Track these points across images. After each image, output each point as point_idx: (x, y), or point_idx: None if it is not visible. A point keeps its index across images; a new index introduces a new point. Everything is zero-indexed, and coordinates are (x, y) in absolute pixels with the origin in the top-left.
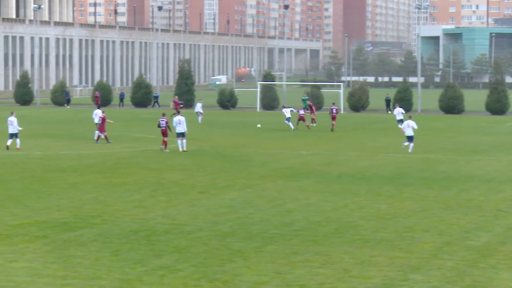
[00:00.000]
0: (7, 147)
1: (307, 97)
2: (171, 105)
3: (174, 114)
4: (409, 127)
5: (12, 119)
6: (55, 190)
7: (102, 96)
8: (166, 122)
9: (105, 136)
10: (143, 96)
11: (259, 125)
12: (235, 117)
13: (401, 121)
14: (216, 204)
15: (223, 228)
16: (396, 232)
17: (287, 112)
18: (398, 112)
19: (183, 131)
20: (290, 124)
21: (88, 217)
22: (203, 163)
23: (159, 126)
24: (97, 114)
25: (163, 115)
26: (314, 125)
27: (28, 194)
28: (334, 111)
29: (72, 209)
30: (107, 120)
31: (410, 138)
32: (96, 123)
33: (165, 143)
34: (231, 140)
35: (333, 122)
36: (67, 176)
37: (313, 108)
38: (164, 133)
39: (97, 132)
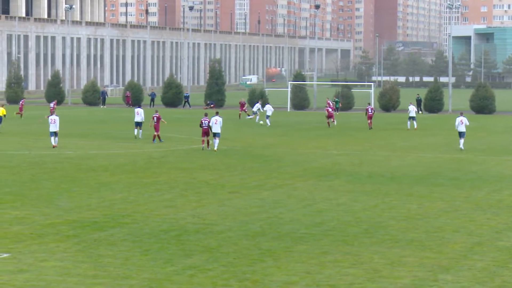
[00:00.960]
0: (54, 147)
1: (338, 99)
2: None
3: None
4: (462, 124)
5: (55, 118)
6: (86, 190)
7: (133, 96)
8: (209, 122)
9: (158, 136)
10: (173, 96)
11: (261, 122)
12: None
13: (412, 118)
14: (246, 204)
15: (253, 228)
16: (426, 232)
17: (270, 109)
18: (412, 109)
19: (218, 131)
20: (268, 121)
21: (118, 216)
22: (233, 163)
23: (201, 125)
24: (139, 113)
25: (206, 115)
26: (335, 123)
27: (59, 194)
28: (370, 111)
29: (103, 209)
30: (162, 119)
31: (461, 134)
32: (139, 122)
33: (206, 142)
34: (261, 140)
35: (370, 121)
36: (98, 175)
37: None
38: (206, 133)
39: (138, 131)
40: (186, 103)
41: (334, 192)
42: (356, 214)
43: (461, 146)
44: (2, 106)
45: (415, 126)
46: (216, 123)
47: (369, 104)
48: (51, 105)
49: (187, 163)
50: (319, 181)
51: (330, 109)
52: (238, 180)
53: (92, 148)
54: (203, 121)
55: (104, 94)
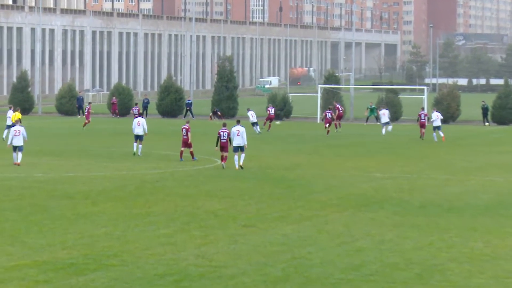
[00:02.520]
0: (16, 164)
1: (374, 106)
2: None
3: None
4: None
5: (19, 129)
6: (61, 223)
7: (121, 103)
8: (228, 134)
9: (191, 153)
10: (172, 103)
11: (278, 122)
12: (290, 130)
13: (437, 128)
14: (265, 241)
15: (274, 271)
16: (496, 277)
17: (252, 116)
18: (436, 117)
19: (242, 144)
20: (257, 128)
21: (102, 257)
22: (248, 189)
23: (219, 138)
24: (140, 123)
25: (224, 125)
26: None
27: (27, 228)
28: (423, 117)
29: (82, 247)
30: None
31: None
32: (140, 135)
33: (225, 158)
34: (284, 159)
35: (423, 130)
36: (75, 204)
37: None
38: (225, 147)
39: (138, 146)
40: (188, 112)
41: (378, 226)
42: (405, 255)
43: None
44: (17, 110)
45: (442, 135)
46: (239, 135)
47: (423, 109)
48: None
49: (189, 189)
50: (358, 212)
51: (328, 115)
52: (254, 211)
53: (68, 169)
54: (222, 132)
55: (80, 101)
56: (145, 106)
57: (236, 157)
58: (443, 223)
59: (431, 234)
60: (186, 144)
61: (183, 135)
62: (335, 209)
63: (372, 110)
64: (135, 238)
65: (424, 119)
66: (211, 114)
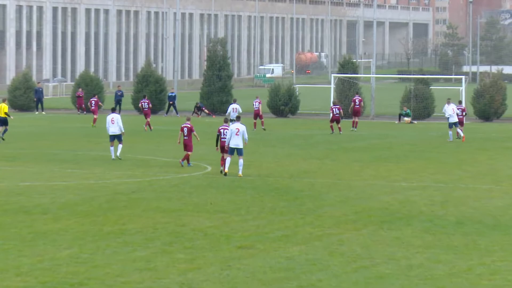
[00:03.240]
0: None
1: (409, 111)
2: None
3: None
4: None
5: None
6: (15, 243)
7: (89, 97)
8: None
9: (188, 157)
10: (151, 96)
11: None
12: (296, 129)
13: (455, 124)
14: (266, 266)
15: None
16: None
17: (234, 110)
18: (451, 110)
19: (241, 146)
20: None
21: (65, 285)
22: (245, 201)
23: (219, 136)
24: (115, 120)
25: (226, 121)
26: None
27: None
28: (460, 113)
29: (40, 273)
30: (194, 133)
31: None
32: (116, 134)
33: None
34: (289, 165)
35: (460, 128)
36: (33, 220)
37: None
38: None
39: (116, 147)
40: (172, 107)
41: (404, 247)
42: (438, 282)
43: None
44: (4, 101)
45: (462, 135)
46: (238, 134)
47: (460, 102)
48: None
49: (172, 202)
50: (379, 230)
51: (337, 111)
52: (252, 229)
53: (24, 177)
54: (222, 130)
55: (39, 93)
56: (119, 100)
57: (229, 159)
58: (484, 244)
59: (470, 258)
60: (187, 146)
61: (184, 136)
62: (352, 226)
63: (408, 115)
64: (106, 262)
65: (462, 115)
66: (194, 110)
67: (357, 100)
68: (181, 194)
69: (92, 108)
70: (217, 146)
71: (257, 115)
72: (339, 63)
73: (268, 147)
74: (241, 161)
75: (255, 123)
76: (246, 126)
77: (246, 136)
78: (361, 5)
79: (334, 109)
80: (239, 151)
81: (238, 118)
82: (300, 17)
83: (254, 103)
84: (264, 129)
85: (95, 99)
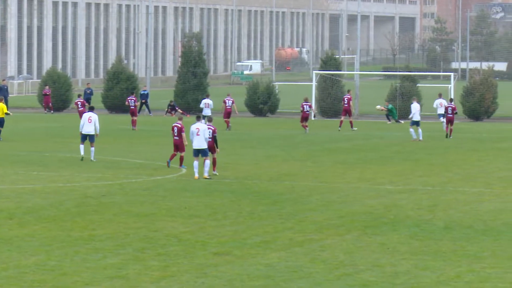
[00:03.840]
0: None
1: (391, 106)
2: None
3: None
4: None
5: None
6: None
7: (56, 95)
8: (214, 131)
9: (181, 158)
10: (122, 94)
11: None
12: (276, 129)
13: (416, 123)
14: (243, 274)
15: None
16: None
17: (207, 104)
18: (416, 109)
19: (204, 146)
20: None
21: None
22: (221, 205)
23: (210, 138)
24: (93, 119)
25: (210, 120)
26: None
27: None
28: (450, 112)
29: (6, 281)
30: (183, 134)
31: None
32: (90, 134)
33: (213, 162)
34: (269, 168)
35: (450, 127)
36: None
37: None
38: (211, 148)
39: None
40: (144, 106)
41: (390, 253)
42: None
43: None
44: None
45: (420, 137)
46: (199, 135)
47: (451, 100)
48: None
49: (145, 206)
50: (363, 236)
51: (307, 108)
52: (229, 234)
53: None
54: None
55: (4, 91)
56: (88, 98)
57: (196, 163)
58: (474, 250)
59: (458, 264)
60: (178, 147)
61: (174, 136)
62: (334, 231)
63: (391, 111)
64: (75, 269)
65: (452, 114)
66: (167, 109)
67: (346, 98)
68: (154, 198)
69: (132, 107)
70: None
71: (229, 113)
72: (321, 59)
73: (246, 148)
74: (207, 162)
75: (227, 122)
76: (216, 127)
77: (207, 135)
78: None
79: (304, 106)
80: (203, 152)
81: (198, 118)
82: (280, 11)
83: (226, 101)
84: (229, 130)
85: (133, 98)
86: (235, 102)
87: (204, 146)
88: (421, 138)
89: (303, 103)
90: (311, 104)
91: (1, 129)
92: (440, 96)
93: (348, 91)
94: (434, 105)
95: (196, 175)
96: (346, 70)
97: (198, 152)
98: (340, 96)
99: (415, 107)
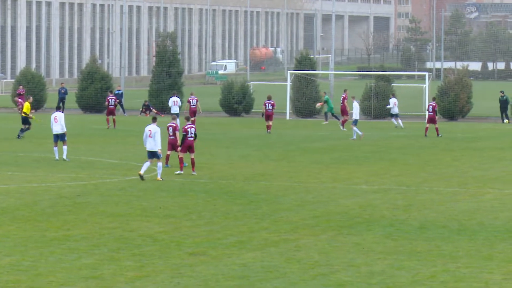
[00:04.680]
0: None
1: (327, 97)
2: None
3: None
4: None
5: None
6: None
7: (30, 94)
8: (195, 130)
9: (181, 159)
10: (96, 93)
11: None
12: (251, 129)
13: (396, 115)
14: (218, 274)
15: None
16: None
17: (176, 102)
18: (393, 103)
19: (156, 149)
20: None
21: None
22: (196, 205)
23: (185, 136)
24: (58, 119)
25: (187, 119)
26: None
27: None
28: (431, 110)
29: None
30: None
31: None
32: (60, 134)
33: (192, 163)
34: (244, 167)
35: (428, 126)
36: None
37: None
38: (191, 147)
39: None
40: (119, 106)
41: (364, 253)
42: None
43: None
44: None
45: (401, 125)
46: (151, 137)
47: (434, 99)
48: None
49: (120, 206)
50: (338, 236)
51: (269, 106)
52: (204, 234)
53: None
54: (189, 129)
55: None
56: (62, 97)
57: (147, 163)
58: (449, 250)
59: (433, 264)
60: (174, 147)
61: (169, 136)
62: (309, 231)
63: (327, 102)
64: (50, 269)
65: (433, 113)
66: (142, 109)
67: (341, 98)
68: (129, 198)
69: (111, 106)
70: (181, 146)
71: (194, 112)
72: (295, 59)
73: (221, 148)
74: (159, 164)
75: (193, 121)
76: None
77: (158, 139)
78: None
79: (267, 104)
80: (156, 155)
81: (153, 120)
82: (254, 10)
83: (191, 100)
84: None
85: (113, 97)
86: (200, 101)
87: (155, 148)
88: (354, 137)
89: (266, 101)
90: (274, 102)
91: None
92: (393, 95)
93: (345, 90)
94: (388, 106)
95: (141, 171)
96: (320, 70)
97: (152, 155)
98: (315, 96)
99: (392, 101)
